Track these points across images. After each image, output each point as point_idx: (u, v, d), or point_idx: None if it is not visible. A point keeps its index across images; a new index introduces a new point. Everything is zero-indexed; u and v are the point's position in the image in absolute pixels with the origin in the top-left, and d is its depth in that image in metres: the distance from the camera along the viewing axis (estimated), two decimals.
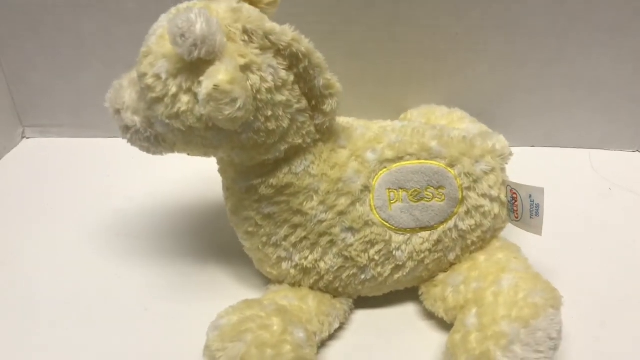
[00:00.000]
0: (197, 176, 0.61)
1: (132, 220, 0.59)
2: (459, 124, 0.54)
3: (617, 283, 0.51)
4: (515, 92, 0.67)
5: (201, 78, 0.33)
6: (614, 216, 0.60)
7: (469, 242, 0.45)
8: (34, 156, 0.72)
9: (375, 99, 0.67)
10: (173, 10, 0.38)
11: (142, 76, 0.36)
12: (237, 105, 0.33)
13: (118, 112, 0.40)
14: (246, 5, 0.38)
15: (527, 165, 0.55)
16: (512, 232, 0.48)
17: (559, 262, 0.51)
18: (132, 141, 0.41)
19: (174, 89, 0.35)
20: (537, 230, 0.43)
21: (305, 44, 0.37)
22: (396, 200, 0.43)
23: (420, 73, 0.66)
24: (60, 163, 0.70)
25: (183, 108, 0.35)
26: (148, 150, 0.41)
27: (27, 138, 0.75)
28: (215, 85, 0.32)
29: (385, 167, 0.43)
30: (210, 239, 0.56)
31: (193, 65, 0.34)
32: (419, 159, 0.43)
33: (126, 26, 0.63)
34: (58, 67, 0.68)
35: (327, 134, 0.43)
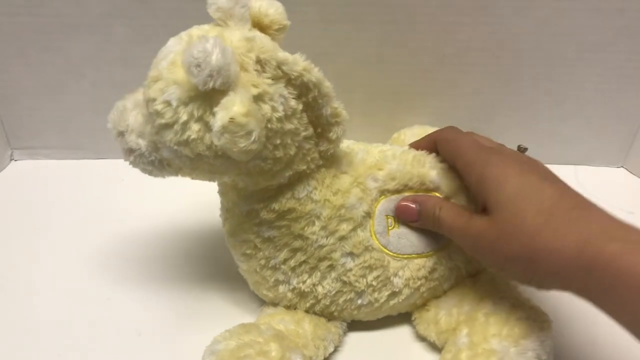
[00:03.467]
0: (189, 198, 0.60)
1: (124, 242, 0.57)
2: None
3: None
4: (502, 110, 0.69)
5: (215, 109, 0.33)
6: None
7: (464, 272, 0.46)
8: (23, 178, 0.70)
9: (364, 118, 0.68)
10: (184, 35, 0.37)
11: (150, 101, 0.36)
12: (252, 138, 0.33)
13: (121, 134, 0.39)
14: (259, 34, 0.38)
15: None
16: None
17: None
18: (134, 163, 0.40)
19: (184, 117, 0.34)
20: None
21: (315, 74, 0.37)
22: (394, 227, 0.44)
23: (409, 92, 0.67)
24: (49, 185, 0.68)
25: (193, 136, 0.35)
26: (150, 173, 0.40)
27: (16, 160, 0.73)
28: (231, 118, 0.32)
29: (384, 195, 0.44)
30: (204, 262, 0.55)
31: (206, 94, 0.33)
32: (418, 192, 0.44)
33: (115, 48, 0.62)
34: (46, 88, 0.66)
35: (330, 159, 0.43)
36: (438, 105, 0.68)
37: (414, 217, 0.43)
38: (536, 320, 0.40)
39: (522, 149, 0.51)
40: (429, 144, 0.47)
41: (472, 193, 0.43)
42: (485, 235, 0.37)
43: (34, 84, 0.66)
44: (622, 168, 0.75)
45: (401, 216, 0.44)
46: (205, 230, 0.59)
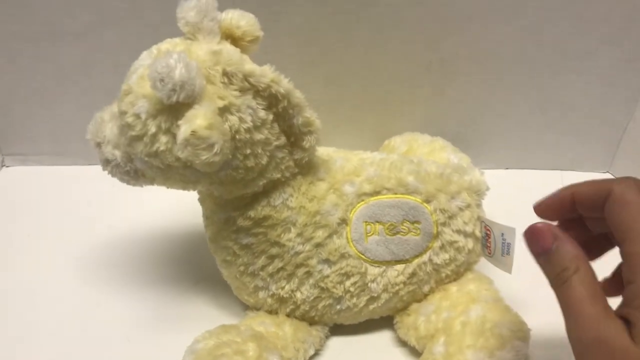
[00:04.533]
0: (178, 204, 0.60)
1: (113, 248, 0.58)
2: (440, 152, 0.54)
3: None
4: (489, 117, 0.69)
5: (179, 122, 0.34)
6: None
7: (443, 275, 0.46)
8: (14, 185, 0.70)
9: (352, 125, 0.68)
10: (154, 49, 0.38)
11: (122, 114, 0.37)
12: (214, 151, 0.33)
13: (99, 145, 0.40)
14: (227, 47, 0.38)
15: (501, 188, 0.56)
16: (488, 264, 0.48)
17: (532, 288, 0.51)
18: (112, 173, 0.41)
19: (153, 129, 0.35)
20: (507, 268, 0.44)
21: (284, 85, 0.37)
22: (373, 233, 0.44)
23: (396, 99, 0.67)
24: (40, 191, 0.68)
25: (162, 148, 0.36)
26: (128, 182, 0.42)
27: (7, 166, 0.73)
28: (192, 131, 0.33)
29: (362, 200, 0.44)
30: (192, 267, 0.55)
31: (172, 107, 0.34)
32: (395, 193, 0.44)
33: (106, 56, 0.63)
34: (37, 95, 0.67)
35: (306, 167, 0.43)
36: (425, 111, 0.68)
37: (542, 247, 0.32)
38: (514, 330, 0.40)
39: None
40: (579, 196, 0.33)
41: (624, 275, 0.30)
42: None
43: (25, 91, 0.67)
44: (608, 173, 0.74)
45: (528, 242, 0.33)
46: (193, 236, 0.59)
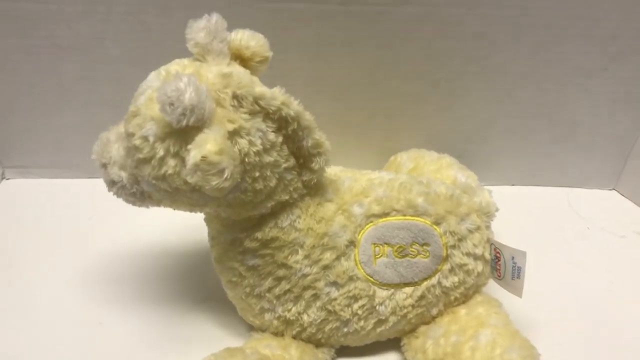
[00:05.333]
0: (182, 220, 0.59)
1: (115, 265, 0.57)
2: (447, 170, 0.54)
3: (597, 328, 0.51)
4: (496, 133, 0.69)
5: (189, 146, 0.33)
6: (592, 257, 0.61)
7: (452, 298, 0.45)
8: (15, 197, 0.70)
9: (358, 140, 0.68)
10: (163, 71, 0.37)
11: (129, 136, 0.36)
12: (225, 176, 0.33)
13: (104, 166, 0.39)
14: (236, 69, 0.38)
15: (507, 204, 0.55)
16: (496, 286, 0.47)
17: (541, 311, 0.52)
18: (118, 194, 0.41)
19: (161, 152, 0.35)
20: (518, 292, 0.44)
21: (294, 107, 0.37)
22: (381, 255, 0.43)
23: (403, 115, 0.67)
24: (41, 204, 0.68)
25: (170, 171, 0.35)
26: (134, 204, 0.41)
27: (8, 179, 0.73)
28: (203, 157, 0.32)
29: (371, 222, 0.43)
30: (196, 285, 0.55)
31: (181, 130, 0.34)
32: (405, 215, 0.43)
33: (108, 69, 0.62)
34: (38, 107, 0.66)
35: (315, 188, 0.42)
36: (432, 127, 0.68)
37: None
38: (524, 355, 0.39)
39: None
40: None
41: None
42: None
43: (26, 104, 0.66)
44: (614, 191, 0.75)
45: None
46: (197, 253, 0.59)
